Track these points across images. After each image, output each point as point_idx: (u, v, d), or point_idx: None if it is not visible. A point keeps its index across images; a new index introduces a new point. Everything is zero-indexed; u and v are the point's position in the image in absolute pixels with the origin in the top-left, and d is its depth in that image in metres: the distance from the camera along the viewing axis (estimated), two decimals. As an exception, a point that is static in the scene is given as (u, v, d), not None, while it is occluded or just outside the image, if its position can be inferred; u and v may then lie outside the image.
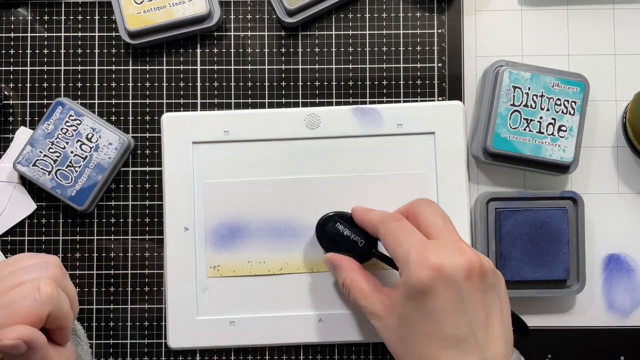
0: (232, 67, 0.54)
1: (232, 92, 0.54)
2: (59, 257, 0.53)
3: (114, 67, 0.54)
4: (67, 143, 0.52)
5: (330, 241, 0.49)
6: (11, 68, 0.54)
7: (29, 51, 0.55)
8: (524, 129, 0.51)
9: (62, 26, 0.55)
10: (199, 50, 0.55)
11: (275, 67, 0.54)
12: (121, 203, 0.54)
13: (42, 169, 0.52)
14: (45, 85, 0.54)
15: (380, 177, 0.52)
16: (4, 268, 0.40)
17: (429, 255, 0.40)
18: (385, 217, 0.46)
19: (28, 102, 0.54)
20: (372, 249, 0.49)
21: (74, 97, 0.54)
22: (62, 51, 0.54)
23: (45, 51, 0.55)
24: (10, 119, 0.54)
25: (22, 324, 0.36)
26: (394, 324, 0.43)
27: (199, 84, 0.54)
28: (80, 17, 0.55)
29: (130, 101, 0.54)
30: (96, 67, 0.54)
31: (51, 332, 0.39)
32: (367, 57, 0.54)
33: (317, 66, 0.54)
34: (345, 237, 0.49)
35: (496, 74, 0.51)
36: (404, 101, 0.54)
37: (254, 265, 0.52)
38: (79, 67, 0.54)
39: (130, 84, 0.54)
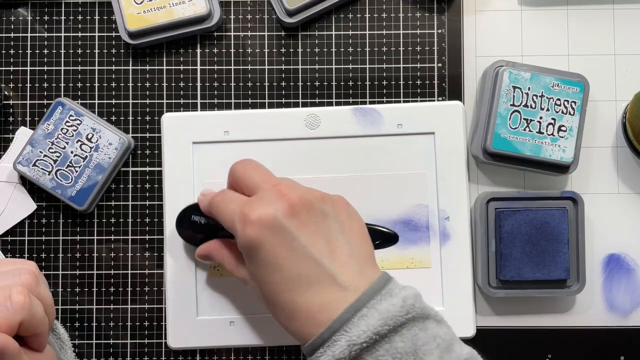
0: (232, 67, 0.54)
1: (232, 92, 0.54)
2: (59, 256, 0.53)
3: (114, 67, 0.54)
4: (67, 143, 0.52)
5: (194, 235, 0.49)
6: (11, 68, 0.54)
7: (29, 51, 0.55)
8: (524, 129, 0.51)
9: (62, 26, 0.55)
10: (199, 50, 0.55)
11: (275, 67, 0.54)
12: (121, 203, 0.54)
13: (42, 169, 0.52)
14: (45, 85, 0.54)
15: (380, 177, 0.52)
16: None
17: (247, 212, 0.40)
18: (211, 196, 0.46)
19: (28, 102, 0.54)
20: None
21: (74, 97, 0.54)
22: (62, 51, 0.54)
23: (45, 51, 0.55)
24: (10, 119, 0.54)
25: None
26: (253, 285, 0.43)
27: (199, 84, 0.54)
28: (80, 17, 0.55)
29: (130, 101, 0.54)
30: (96, 67, 0.54)
31: (26, 338, 0.39)
32: (367, 57, 0.54)
33: (317, 66, 0.54)
34: (205, 225, 0.48)
35: (496, 74, 0.51)
36: (404, 101, 0.54)
37: (254, 265, 0.52)
38: (79, 67, 0.54)
39: (130, 84, 0.54)
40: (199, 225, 0.49)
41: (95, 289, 0.54)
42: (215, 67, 0.54)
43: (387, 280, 0.40)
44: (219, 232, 0.48)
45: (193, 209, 0.49)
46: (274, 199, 0.41)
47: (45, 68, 0.54)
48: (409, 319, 0.38)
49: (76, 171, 0.52)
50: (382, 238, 0.48)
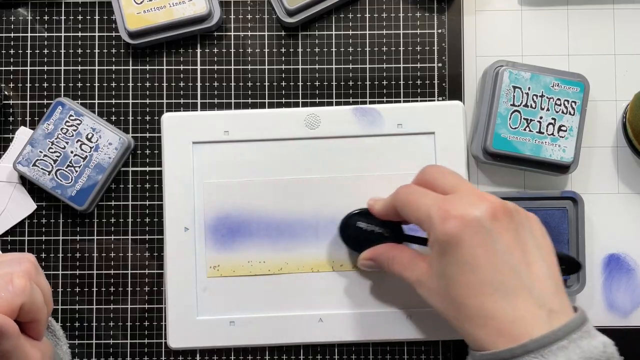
0: (232, 67, 0.54)
1: (232, 92, 0.54)
2: (59, 256, 0.53)
3: (114, 67, 0.54)
4: (67, 143, 0.52)
5: (358, 241, 0.49)
6: (11, 68, 0.54)
7: (29, 51, 0.55)
8: (524, 129, 0.51)
9: (62, 26, 0.55)
10: (199, 50, 0.55)
11: (275, 67, 0.54)
12: (121, 203, 0.54)
13: (42, 169, 0.52)
14: (45, 85, 0.54)
15: (380, 177, 0.52)
16: None
17: (449, 207, 0.40)
18: (396, 191, 0.45)
19: (28, 102, 0.54)
20: (399, 235, 0.48)
21: (74, 97, 0.54)
22: (62, 51, 0.54)
23: (45, 51, 0.55)
24: (10, 119, 0.54)
25: None
26: (436, 285, 0.42)
27: (199, 84, 0.54)
28: (80, 17, 0.55)
29: (130, 101, 0.54)
30: (96, 67, 0.54)
31: (25, 325, 0.40)
32: (367, 57, 0.54)
33: (317, 66, 0.54)
34: (370, 232, 0.49)
35: (496, 74, 0.51)
36: (404, 101, 0.54)
37: (254, 265, 0.52)
38: (79, 67, 0.54)
39: (130, 84, 0.54)
40: (364, 231, 0.49)
41: (95, 289, 0.54)
42: (215, 67, 0.54)
43: (586, 318, 0.39)
44: (384, 239, 0.48)
45: (359, 214, 0.49)
46: (476, 200, 0.40)
47: (45, 68, 0.54)
48: None
49: (76, 171, 0.52)
50: (567, 264, 0.47)
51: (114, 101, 0.54)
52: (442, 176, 0.44)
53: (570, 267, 0.47)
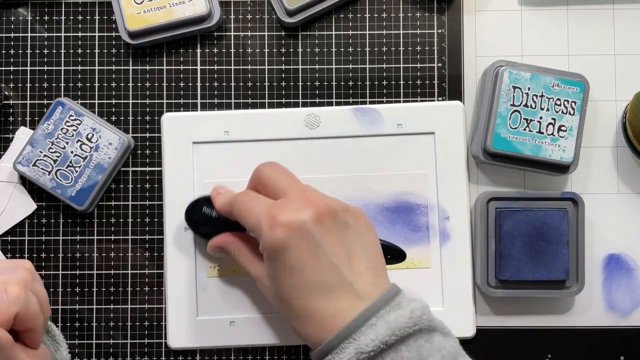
0: (232, 67, 0.54)
1: (232, 92, 0.54)
2: (59, 256, 0.53)
3: (114, 67, 0.54)
4: (67, 143, 0.52)
5: (203, 227, 0.49)
6: (11, 68, 0.54)
7: (29, 51, 0.55)
8: (524, 129, 0.51)
9: (62, 26, 0.55)
10: (199, 50, 0.55)
11: (275, 67, 0.54)
12: (121, 203, 0.54)
13: (42, 169, 0.52)
14: (45, 85, 0.54)
15: (380, 177, 0.52)
16: None
17: (276, 214, 0.41)
18: (232, 195, 0.46)
19: (28, 102, 0.54)
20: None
21: (74, 97, 0.54)
22: (62, 51, 0.55)
23: (45, 51, 0.55)
24: (10, 119, 0.54)
25: None
26: (269, 286, 0.44)
27: (199, 84, 0.54)
28: (80, 17, 0.55)
29: (130, 101, 0.54)
30: (96, 67, 0.54)
31: (21, 334, 0.39)
32: (367, 57, 0.54)
33: (317, 66, 0.54)
34: (216, 218, 0.49)
35: (496, 74, 0.51)
36: (404, 101, 0.54)
37: (254, 265, 0.52)
38: (79, 67, 0.54)
39: (130, 84, 0.54)
40: (210, 217, 0.49)
41: (95, 289, 0.54)
42: (215, 67, 0.54)
43: (397, 292, 0.41)
44: (230, 227, 0.48)
45: (205, 200, 0.49)
46: (302, 205, 0.41)
47: (45, 68, 0.54)
48: (415, 330, 0.39)
49: (76, 171, 0.52)
50: (392, 254, 0.49)
51: (114, 101, 0.54)
52: (274, 177, 0.45)
53: (396, 256, 0.49)
